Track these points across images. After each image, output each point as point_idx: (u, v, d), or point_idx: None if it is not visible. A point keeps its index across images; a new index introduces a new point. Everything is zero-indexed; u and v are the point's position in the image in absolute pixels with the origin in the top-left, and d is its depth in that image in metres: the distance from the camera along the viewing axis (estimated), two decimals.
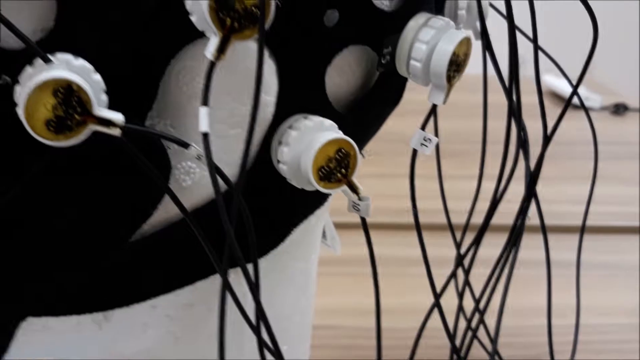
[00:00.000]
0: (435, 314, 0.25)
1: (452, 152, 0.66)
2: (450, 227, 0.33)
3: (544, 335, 0.35)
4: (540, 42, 0.25)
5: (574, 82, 0.35)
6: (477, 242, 0.24)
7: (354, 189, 0.21)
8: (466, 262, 0.34)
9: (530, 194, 0.24)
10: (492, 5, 0.30)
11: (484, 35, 0.28)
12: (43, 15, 0.19)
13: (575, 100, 0.36)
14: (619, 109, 0.98)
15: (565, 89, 0.33)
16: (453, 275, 0.24)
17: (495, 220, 0.26)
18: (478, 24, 0.28)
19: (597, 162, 0.37)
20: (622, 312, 0.52)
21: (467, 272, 0.25)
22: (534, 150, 0.24)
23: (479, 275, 0.28)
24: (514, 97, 0.23)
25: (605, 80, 1.04)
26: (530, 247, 0.29)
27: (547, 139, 0.24)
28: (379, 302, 0.24)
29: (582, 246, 0.41)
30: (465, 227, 0.33)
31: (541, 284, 0.34)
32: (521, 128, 0.23)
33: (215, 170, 0.18)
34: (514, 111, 0.22)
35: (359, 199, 0.22)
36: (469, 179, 0.55)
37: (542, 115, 0.24)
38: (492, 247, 0.27)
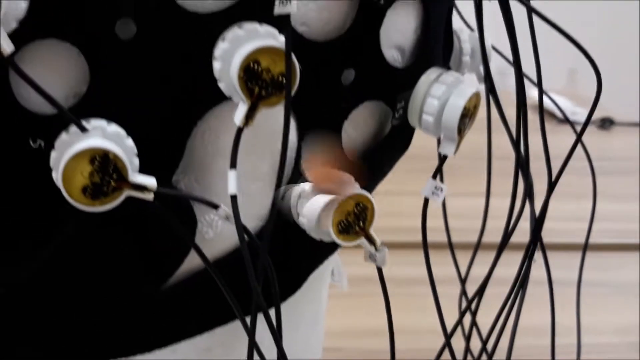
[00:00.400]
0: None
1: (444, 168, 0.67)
2: (454, 260, 0.34)
3: (547, 354, 0.36)
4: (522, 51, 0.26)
5: (554, 97, 0.36)
6: (481, 292, 0.25)
7: (371, 240, 0.22)
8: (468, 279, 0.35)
9: (536, 239, 0.25)
10: (495, 49, 0.31)
11: (488, 78, 0.29)
12: (75, 81, 0.20)
13: (561, 115, 0.37)
14: (605, 124, 1.00)
15: (551, 103, 0.33)
16: (459, 323, 0.25)
17: (497, 238, 0.27)
18: (482, 68, 0.29)
19: (595, 180, 0.38)
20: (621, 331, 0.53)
21: (474, 314, 0.26)
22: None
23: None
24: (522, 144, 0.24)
25: (590, 94, 1.05)
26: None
27: (551, 186, 0.25)
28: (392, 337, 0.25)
29: (572, 264, 0.42)
30: (474, 255, 0.34)
31: (541, 303, 0.35)
32: (528, 178, 0.24)
33: (242, 231, 0.19)
34: (522, 164, 0.23)
35: (376, 249, 0.23)
36: (462, 196, 0.56)
37: (547, 162, 0.25)
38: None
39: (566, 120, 0.36)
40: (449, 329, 0.27)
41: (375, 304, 0.26)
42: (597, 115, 1.00)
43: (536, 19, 0.24)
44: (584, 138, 0.37)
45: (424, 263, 0.26)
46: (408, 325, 0.49)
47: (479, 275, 0.29)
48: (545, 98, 0.30)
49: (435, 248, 0.33)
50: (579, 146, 0.36)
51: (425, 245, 0.24)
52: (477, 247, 0.33)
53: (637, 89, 1.45)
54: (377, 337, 0.36)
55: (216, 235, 0.23)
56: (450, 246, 0.37)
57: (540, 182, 0.25)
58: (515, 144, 0.23)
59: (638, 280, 0.58)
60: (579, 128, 0.36)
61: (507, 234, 0.25)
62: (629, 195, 0.75)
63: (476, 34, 0.29)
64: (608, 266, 0.62)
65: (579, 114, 1.01)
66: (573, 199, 0.57)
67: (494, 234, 0.34)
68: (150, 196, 0.19)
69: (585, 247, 0.40)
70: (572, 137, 0.36)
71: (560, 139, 0.40)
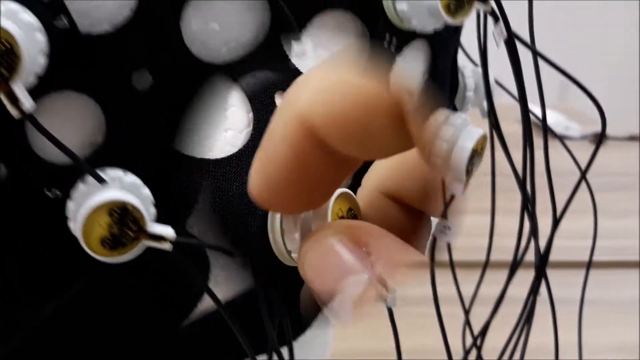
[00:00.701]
0: None
1: None
2: (458, 291, 0.34)
3: None
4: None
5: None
6: (484, 332, 0.25)
7: (383, 284, 0.23)
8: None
9: (540, 274, 0.25)
10: (498, 83, 0.31)
11: (492, 114, 0.29)
12: (91, 131, 0.20)
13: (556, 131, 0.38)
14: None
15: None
16: None
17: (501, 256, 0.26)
18: (485, 103, 0.30)
19: (594, 199, 0.38)
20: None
21: (479, 349, 0.26)
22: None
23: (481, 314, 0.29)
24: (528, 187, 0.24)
25: (582, 108, 1.06)
26: (526, 284, 0.30)
27: (556, 221, 0.25)
28: None
29: (572, 281, 0.42)
30: (479, 283, 0.35)
31: (542, 322, 0.35)
32: (533, 219, 0.24)
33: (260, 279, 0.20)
34: (528, 205, 0.23)
35: (388, 291, 0.23)
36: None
37: (552, 201, 0.26)
38: (497, 284, 0.28)
39: (561, 141, 0.36)
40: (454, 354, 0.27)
41: (379, 324, 0.26)
42: (590, 129, 1.01)
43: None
44: (578, 155, 0.37)
45: (427, 283, 0.26)
46: (411, 346, 0.49)
47: (484, 294, 0.29)
48: (538, 117, 0.30)
49: (438, 267, 0.33)
50: (577, 158, 0.36)
51: (434, 288, 0.25)
52: (484, 272, 0.33)
53: (628, 102, 1.46)
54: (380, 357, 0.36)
55: (227, 278, 0.23)
56: (453, 273, 0.38)
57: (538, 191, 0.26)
58: (522, 186, 0.24)
59: (638, 298, 0.59)
60: (572, 143, 0.37)
61: (512, 270, 0.26)
62: (627, 211, 0.75)
63: (479, 69, 0.29)
64: (608, 284, 0.63)
65: (572, 129, 1.02)
66: (570, 215, 0.57)
67: (495, 252, 0.34)
68: (167, 246, 0.19)
69: (589, 266, 0.40)
70: (565, 153, 0.36)
71: (552, 154, 0.40)
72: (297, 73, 0.22)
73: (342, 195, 0.19)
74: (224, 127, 0.21)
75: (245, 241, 0.21)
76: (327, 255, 0.16)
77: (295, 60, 0.22)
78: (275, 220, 0.20)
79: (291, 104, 0.15)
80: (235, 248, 0.21)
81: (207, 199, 0.21)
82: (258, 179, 0.16)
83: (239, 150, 0.21)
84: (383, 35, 0.22)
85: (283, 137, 0.15)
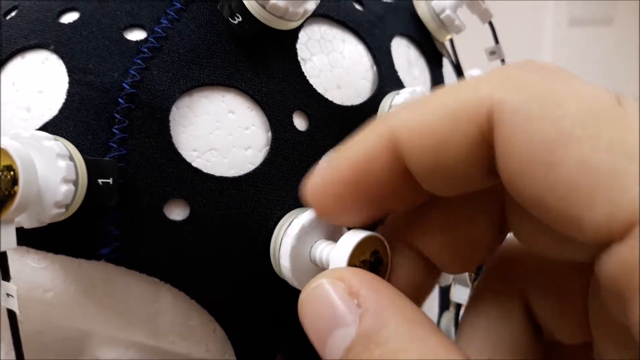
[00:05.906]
0: None
1: None
2: None
3: None
4: None
5: None
6: None
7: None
8: None
9: None
10: None
11: None
12: None
13: None
14: None
15: None
16: None
17: None
18: None
19: None
20: None
21: None
22: None
23: None
24: None
25: None
26: None
27: None
28: None
29: None
30: None
31: None
32: None
33: None
34: None
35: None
36: None
37: None
38: None
39: None
40: None
41: None
42: None
43: None
44: None
45: None
46: None
47: None
48: None
49: None
50: None
51: None
52: None
53: None
54: None
55: None
56: None
57: None
58: None
59: None
60: None
61: None
62: None
63: None
64: None
65: None
66: None
67: None
68: None
69: None
70: None
71: None
72: (315, 93, 0.22)
73: (370, 237, 0.19)
74: (244, 146, 0.21)
75: (250, 256, 0.21)
76: (319, 304, 0.16)
77: (313, 80, 0.22)
78: (277, 241, 0.21)
79: (385, 119, 0.16)
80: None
81: (221, 216, 0.21)
82: (320, 174, 0.17)
83: (256, 168, 0.21)
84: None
85: (363, 138, 0.16)
